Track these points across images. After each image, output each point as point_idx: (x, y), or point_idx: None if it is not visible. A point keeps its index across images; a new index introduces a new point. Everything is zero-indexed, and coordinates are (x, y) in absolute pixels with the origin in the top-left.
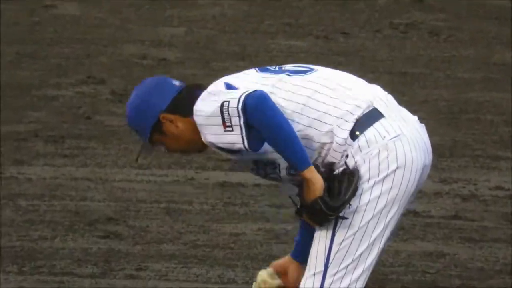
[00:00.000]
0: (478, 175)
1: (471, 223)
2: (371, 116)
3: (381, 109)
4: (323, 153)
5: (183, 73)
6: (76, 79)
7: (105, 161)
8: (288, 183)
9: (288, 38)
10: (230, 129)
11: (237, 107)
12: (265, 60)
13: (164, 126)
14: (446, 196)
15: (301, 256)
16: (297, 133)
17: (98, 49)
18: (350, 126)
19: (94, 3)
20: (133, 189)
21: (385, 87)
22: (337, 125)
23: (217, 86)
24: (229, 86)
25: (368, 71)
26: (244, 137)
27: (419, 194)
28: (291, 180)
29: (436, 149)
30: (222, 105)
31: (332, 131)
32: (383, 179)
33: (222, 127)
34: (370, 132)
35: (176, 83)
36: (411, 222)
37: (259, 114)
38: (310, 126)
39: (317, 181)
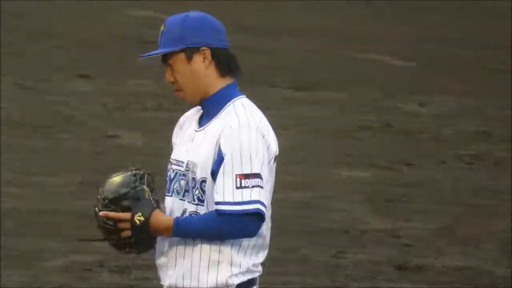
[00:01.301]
0: None
1: None
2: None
3: None
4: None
5: None
6: None
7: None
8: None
9: (351, 168)
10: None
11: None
12: (330, 191)
13: (196, 56)
14: None
15: None
16: None
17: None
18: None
19: (154, 133)
20: None
21: (451, 218)
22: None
23: (257, 143)
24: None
25: (433, 202)
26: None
27: None
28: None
29: (503, 282)
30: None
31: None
32: None
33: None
34: None
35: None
36: None
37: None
38: None
39: None
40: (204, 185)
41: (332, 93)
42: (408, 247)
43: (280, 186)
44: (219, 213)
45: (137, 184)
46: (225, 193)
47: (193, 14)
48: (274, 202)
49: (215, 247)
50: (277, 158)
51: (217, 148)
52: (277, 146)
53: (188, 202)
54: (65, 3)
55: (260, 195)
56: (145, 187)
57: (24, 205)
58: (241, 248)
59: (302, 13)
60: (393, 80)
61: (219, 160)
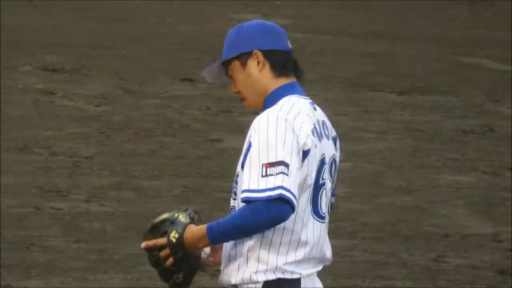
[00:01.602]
0: None
1: None
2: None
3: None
4: None
5: (350, 207)
6: None
7: None
8: None
9: (454, 173)
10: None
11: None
12: (432, 195)
13: (249, 61)
14: None
15: None
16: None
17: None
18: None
19: None
20: None
21: None
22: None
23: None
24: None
25: None
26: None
27: None
28: None
29: None
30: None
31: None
32: None
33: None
34: None
35: (289, 45)
36: None
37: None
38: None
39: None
40: (237, 178)
41: (435, 97)
42: (510, 252)
43: (382, 191)
44: (244, 201)
45: (175, 213)
46: (250, 182)
47: (249, 22)
48: (374, 207)
49: (246, 243)
50: (330, 161)
51: (248, 141)
52: (318, 145)
53: (231, 198)
54: (168, 6)
55: (284, 181)
56: (183, 213)
57: (126, 209)
58: (271, 246)
59: (404, 18)
60: (496, 84)
61: (247, 151)
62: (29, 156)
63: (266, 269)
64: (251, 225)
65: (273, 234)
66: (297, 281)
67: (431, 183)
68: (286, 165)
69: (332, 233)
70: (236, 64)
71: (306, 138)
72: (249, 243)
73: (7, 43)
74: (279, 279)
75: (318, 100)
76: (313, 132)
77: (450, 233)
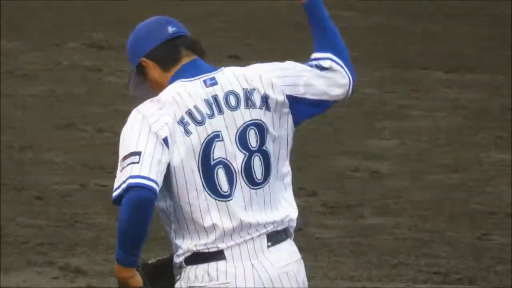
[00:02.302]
0: None
1: None
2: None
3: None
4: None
5: (395, 185)
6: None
7: (314, 273)
8: None
9: (501, 151)
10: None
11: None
12: (478, 173)
13: (145, 69)
14: None
15: None
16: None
17: (310, 161)
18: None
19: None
20: None
21: None
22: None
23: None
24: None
25: None
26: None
27: None
28: None
29: None
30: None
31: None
32: None
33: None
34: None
35: (170, 29)
36: None
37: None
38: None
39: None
40: None
41: (483, 76)
42: None
43: (429, 169)
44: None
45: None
46: (115, 181)
47: (130, 36)
48: (420, 185)
49: (170, 235)
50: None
51: None
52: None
53: None
54: None
55: (133, 170)
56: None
57: None
58: (183, 235)
59: None
60: None
61: None
62: (74, 133)
63: (182, 251)
64: (122, 222)
65: (179, 226)
66: (218, 253)
67: (477, 161)
68: (137, 153)
69: (377, 211)
70: (141, 76)
71: (162, 128)
72: (169, 234)
73: (54, 21)
74: (193, 254)
75: (366, 78)
76: (181, 120)
77: (496, 211)
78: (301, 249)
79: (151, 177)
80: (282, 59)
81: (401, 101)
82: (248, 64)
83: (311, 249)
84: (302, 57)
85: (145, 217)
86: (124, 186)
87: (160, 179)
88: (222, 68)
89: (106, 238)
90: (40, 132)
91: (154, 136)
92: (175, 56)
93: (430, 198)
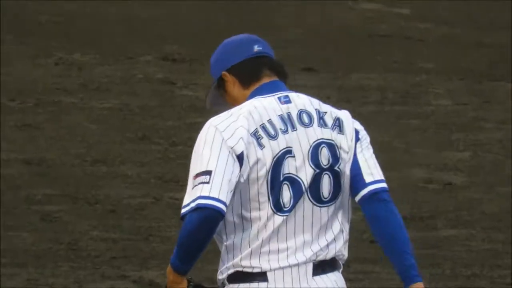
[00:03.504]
0: None
1: None
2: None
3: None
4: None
5: (468, 197)
6: None
7: (388, 285)
8: None
9: None
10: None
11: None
12: None
13: (225, 83)
14: None
15: None
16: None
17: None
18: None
19: (380, 126)
20: None
21: None
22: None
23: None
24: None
25: None
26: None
27: None
28: None
29: None
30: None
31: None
32: None
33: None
34: None
35: (256, 48)
36: None
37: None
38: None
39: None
40: None
41: None
42: None
43: (501, 180)
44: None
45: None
46: (184, 197)
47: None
48: (493, 196)
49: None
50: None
51: None
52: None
53: None
54: None
55: (203, 191)
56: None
57: None
58: (233, 247)
59: None
60: None
61: None
62: (148, 146)
63: (226, 267)
64: (184, 236)
65: (232, 240)
66: (260, 274)
67: None
68: (208, 172)
69: (451, 223)
70: (221, 90)
71: (238, 142)
72: (220, 248)
73: (127, 34)
74: (237, 272)
75: (437, 90)
76: (255, 133)
77: None
78: (372, 260)
79: (221, 198)
80: (357, 69)
81: (474, 112)
82: (322, 76)
83: (384, 261)
84: (375, 65)
85: (208, 236)
86: (193, 205)
87: (229, 199)
88: (298, 93)
89: None
90: (113, 145)
91: (227, 151)
92: (256, 74)
93: (503, 210)
